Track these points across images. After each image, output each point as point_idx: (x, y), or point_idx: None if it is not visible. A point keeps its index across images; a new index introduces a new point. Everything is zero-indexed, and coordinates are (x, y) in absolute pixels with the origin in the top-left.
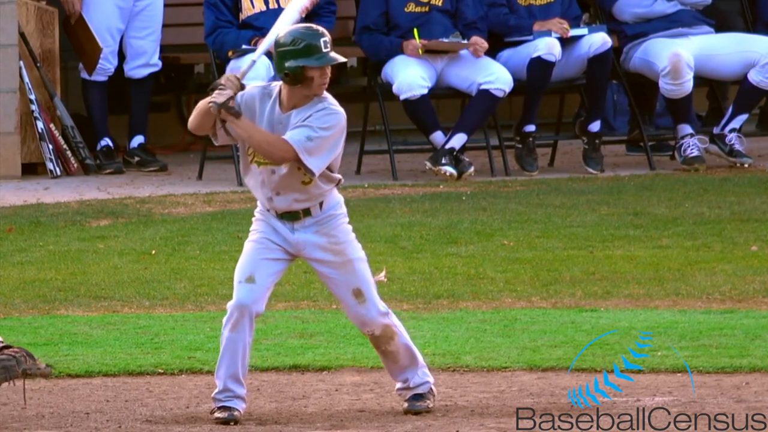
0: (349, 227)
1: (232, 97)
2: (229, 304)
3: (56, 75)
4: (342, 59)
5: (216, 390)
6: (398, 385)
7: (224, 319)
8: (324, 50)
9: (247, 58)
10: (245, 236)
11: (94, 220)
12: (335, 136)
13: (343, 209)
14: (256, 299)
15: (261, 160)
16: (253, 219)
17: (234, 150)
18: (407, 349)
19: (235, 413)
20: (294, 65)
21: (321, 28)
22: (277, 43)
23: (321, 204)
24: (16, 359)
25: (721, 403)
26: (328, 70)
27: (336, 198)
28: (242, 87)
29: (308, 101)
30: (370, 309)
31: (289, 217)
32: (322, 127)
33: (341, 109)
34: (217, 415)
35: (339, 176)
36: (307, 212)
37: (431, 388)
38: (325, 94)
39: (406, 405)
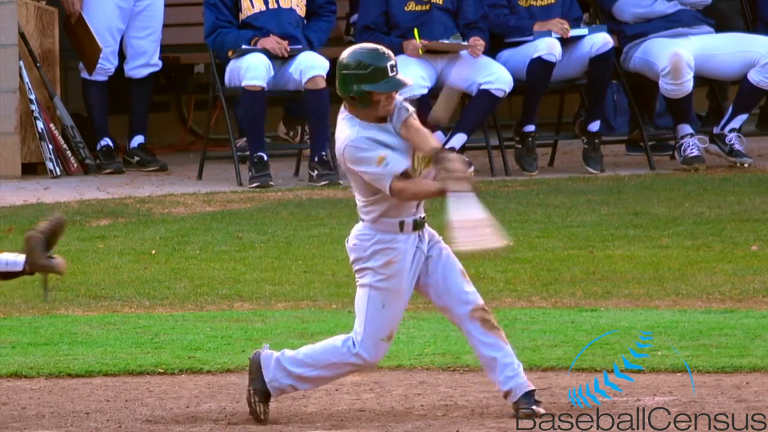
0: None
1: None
2: (361, 355)
3: (56, 75)
4: (409, 81)
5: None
6: (501, 382)
7: (348, 355)
8: (391, 74)
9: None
10: (245, 236)
11: (94, 220)
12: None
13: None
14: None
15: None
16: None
17: (234, 150)
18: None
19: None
20: (360, 89)
21: (387, 51)
22: (342, 65)
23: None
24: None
25: (721, 403)
26: (395, 94)
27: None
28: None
29: (372, 121)
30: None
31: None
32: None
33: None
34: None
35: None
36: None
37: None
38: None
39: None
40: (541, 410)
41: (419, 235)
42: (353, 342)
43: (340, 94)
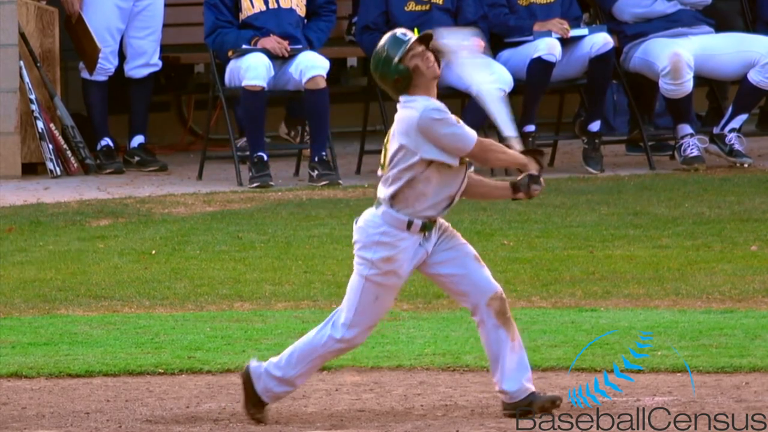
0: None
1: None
2: (346, 338)
3: (56, 75)
4: (424, 30)
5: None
6: (498, 386)
7: (332, 343)
8: (406, 38)
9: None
10: (245, 236)
11: (94, 220)
12: None
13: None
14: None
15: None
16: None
17: (234, 150)
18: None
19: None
20: (395, 67)
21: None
22: (373, 68)
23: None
24: None
25: (721, 403)
26: (428, 53)
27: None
28: None
29: (432, 94)
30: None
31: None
32: None
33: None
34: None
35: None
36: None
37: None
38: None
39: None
40: (557, 395)
41: (425, 235)
42: (333, 326)
43: (393, 92)
